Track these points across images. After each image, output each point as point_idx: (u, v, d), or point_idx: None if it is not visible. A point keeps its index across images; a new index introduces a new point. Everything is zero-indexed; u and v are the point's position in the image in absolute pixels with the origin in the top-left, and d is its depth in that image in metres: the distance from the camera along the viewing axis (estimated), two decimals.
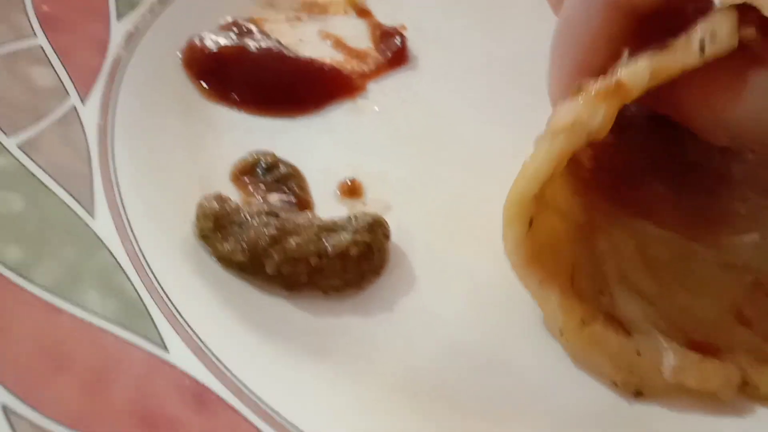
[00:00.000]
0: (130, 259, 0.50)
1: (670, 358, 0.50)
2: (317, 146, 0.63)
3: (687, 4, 0.49)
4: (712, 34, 0.46)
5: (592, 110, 0.47)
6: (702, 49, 0.46)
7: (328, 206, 0.59)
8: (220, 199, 0.55)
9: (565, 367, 0.53)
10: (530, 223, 0.50)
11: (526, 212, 0.50)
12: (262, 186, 0.59)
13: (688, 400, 0.51)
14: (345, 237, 0.54)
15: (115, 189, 0.54)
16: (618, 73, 0.47)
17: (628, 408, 0.51)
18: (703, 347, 0.52)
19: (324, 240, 0.54)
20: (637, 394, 0.51)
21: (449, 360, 0.52)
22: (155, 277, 0.50)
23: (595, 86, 0.47)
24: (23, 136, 0.54)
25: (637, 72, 0.47)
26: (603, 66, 0.48)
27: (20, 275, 0.46)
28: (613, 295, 0.53)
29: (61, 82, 0.59)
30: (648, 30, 0.49)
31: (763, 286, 0.56)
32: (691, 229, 0.58)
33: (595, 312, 0.52)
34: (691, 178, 0.61)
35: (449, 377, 0.51)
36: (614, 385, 0.51)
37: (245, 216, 0.54)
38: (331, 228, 0.55)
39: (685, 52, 0.47)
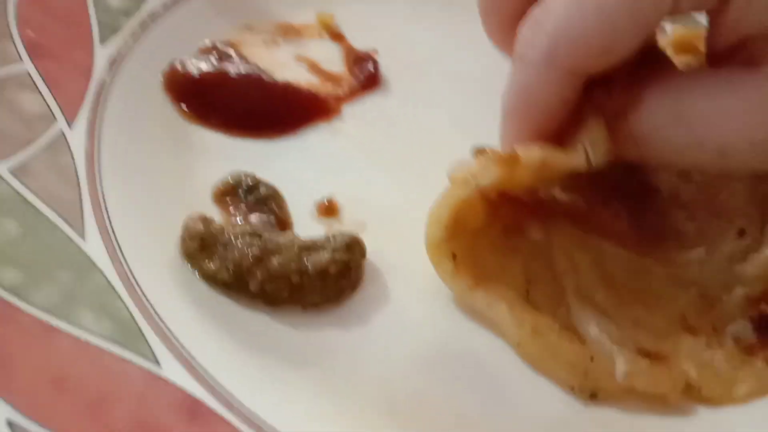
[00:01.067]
0: (121, 279, 0.53)
1: (622, 364, 0.55)
2: (295, 167, 0.67)
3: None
4: (593, 142, 0.54)
5: (485, 169, 0.55)
6: (587, 156, 0.54)
7: (306, 225, 0.63)
8: (205, 220, 0.58)
9: (526, 377, 0.57)
10: (454, 258, 0.57)
11: (444, 252, 0.57)
12: (243, 206, 0.63)
13: (638, 403, 0.56)
14: (324, 256, 0.58)
15: (104, 212, 0.56)
16: (517, 149, 0.55)
17: (584, 412, 0.56)
18: (652, 355, 0.57)
19: (304, 259, 0.57)
20: (592, 396, 0.56)
21: (424, 370, 0.56)
22: (145, 297, 0.53)
23: (494, 152, 0.56)
24: (14, 161, 0.56)
25: (531, 155, 0.54)
26: (558, 128, 0.55)
27: (19, 297, 0.48)
28: (569, 307, 0.58)
29: (49, 107, 0.61)
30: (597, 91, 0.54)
31: (707, 298, 0.61)
32: (645, 247, 0.63)
33: (549, 322, 0.57)
34: (648, 199, 0.66)
35: (425, 387, 0.55)
36: (571, 389, 0.56)
37: (229, 236, 0.57)
38: (311, 247, 0.58)
39: (575, 157, 0.55)
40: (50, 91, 0.62)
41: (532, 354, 0.57)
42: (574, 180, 0.65)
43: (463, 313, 0.60)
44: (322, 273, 0.57)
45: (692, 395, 0.57)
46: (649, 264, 0.62)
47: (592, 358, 0.56)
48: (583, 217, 0.63)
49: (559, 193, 0.64)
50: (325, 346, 0.56)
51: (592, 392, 0.56)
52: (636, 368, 0.55)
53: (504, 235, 0.60)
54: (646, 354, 0.57)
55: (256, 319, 0.56)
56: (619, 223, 0.64)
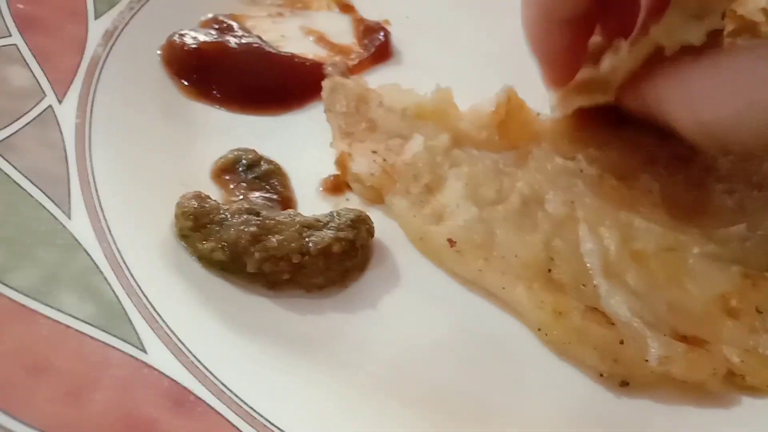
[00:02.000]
0: (107, 260, 0.49)
1: (656, 348, 0.50)
2: (300, 143, 0.63)
3: None
4: (618, 60, 0.56)
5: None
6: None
7: (311, 204, 0.59)
8: (199, 197, 0.54)
9: (550, 363, 0.53)
10: (452, 244, 0.55)
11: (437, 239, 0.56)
12: (243, 184, 0.59)
13: (674, 391, 0.51)
14: (327, 234, 0.53)
15: (93, 189, 0.53)
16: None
17: (615, 401, 0.51)
18: (690, 339, 0.51)
19: (306, 237, 0.53)
20: (623, 384, 0.52)
21: (433, 357, 0.52)
22: (134, 278, 0.49)
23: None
24: None
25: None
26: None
27: None
28: (596, 287, 0.53)
29: (38, 81, 0.58)
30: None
31: (750, 277, 0.55)
32: (679, 222, 0.58)
33: (574, 303, 0.52)
34: (680, 171, 0.61)
35: (433, 374, 0.51)
36: (600, 376, 0.52)
37: (225, 214, 0.53)
38: (314, 225, 0.54)
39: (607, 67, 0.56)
40: (39, 66, 0.59)
41: (555, 339, 0.52)
42: (603, 151, 0.60)
43: (481, 296, 0.55)
44: (326, 252, 0.53)
45: (735, 383, 0.52)
46: (684, 241, 0.56)
47: (622, 342, 0.50)
48: (612, 190, 0.58)
49: (586, 166, 0.59)
50: (330, 331, 0.52)
51: (623, 379, 0.51)
52: (671, 352, 0.50)
53: (522, 207, 0.56)
54: (683, 339, 0.51)
55: (253, 303, 0.52)
56: (651, 196, 0.58)
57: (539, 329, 0.52)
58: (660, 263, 0.54)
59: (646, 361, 0.50)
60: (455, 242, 0.54)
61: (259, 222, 0.53)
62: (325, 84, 0.63)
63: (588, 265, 0.54)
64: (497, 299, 0.54)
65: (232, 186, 0.59)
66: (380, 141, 0.60)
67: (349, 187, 0.60)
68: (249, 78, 0.66)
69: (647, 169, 0.60)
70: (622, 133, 0.61)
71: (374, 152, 0.60)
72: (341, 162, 0.60)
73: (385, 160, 0.59)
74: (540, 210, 0.56)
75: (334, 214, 0.55)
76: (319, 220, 0.55)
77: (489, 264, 0.54)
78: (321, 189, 0.60)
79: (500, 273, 0.53)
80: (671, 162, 0.61)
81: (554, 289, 0.53)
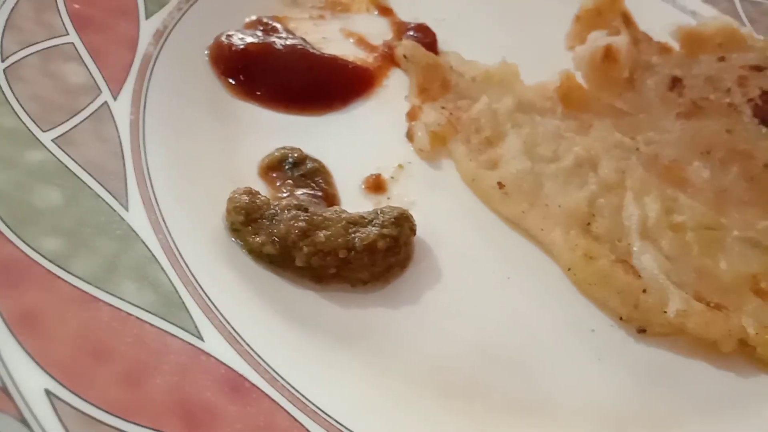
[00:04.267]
0: (164, 251, 0.51)
1: (676, 302, 0.54)
2: (342, 142, 0.64)
3: None
4: None
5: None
6: None
7: (353, 201, 0.60)
8: (250, 193, 0.56)
9: (592, 362, 0.54)
10: (501, 186, 0.61)
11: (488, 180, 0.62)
12: (289, 181, 0.60)
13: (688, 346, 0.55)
14: (372, 231, 0.55)
15: (148, 182, 0.55)
16: None
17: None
18: (712, 305, 0.54)
19: (352, 233, 0.55)
20: (641, 330, 0.56)
21: (474, 354, 0.53)
22: (189, 269, 0.51)
23: None
24: (58, 131, 0.55)
25: None
26: None
27: (60, 267, 0.47)
28: (631, 244, 0.57)
29: (93, 78, 0.60)
30: None
31: None
32: (723, 207, 0.59)
33: (605, 251, 0.56)
34: (737, 164, 0.62)
35: (474, 371, 0.52)
36: (620, 319, 0.56)
37: (275, 210, 0.55)
38: (359, 222, 0.56)
39: None
40: (95, 63, 0.61)
41: (582, 279, 0.57)
42: (662, 136, 0.63)
43: (520, 293, 0.57)
44: (370, 248, 0.54)
45: (745, 352, 0.55)
46: (725, 224, 0.58)
47: (644, 291, 0.55)
48: (664, 169, 0.60)
49: (643, 146, 0.62)
50: (373, 325, 0.53)
51: (641, 325, 0.55)
52: (690, 308, 0.53)
53: (574, 168, 0.60)
54: (706, 303, 0.55)
55: (302, 296, 0.53)
56: (701, 181, 0.60)
57: (569, 269, 0.57)
58: (697, 237, 0.57)
59: (665, 312, 0.53)
60: (504, 185, 0.60)
61: (307, 218, 0.55)
62: (405, 42, 0.70)
63: (626, 224, 0.58)
64: (535, 241, 0.59)
65: (278, 183, 0.60)
66: (450, 101, 0.67)
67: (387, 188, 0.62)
68: (293, 78, 0.67)
69: (702, 158, 0.63)
70: (683, 125, 0.64)
71: (443, 108, 0.66)
72: (412, 114, 0.66)
73: (451, 113, 0.65)
74: (591, 172, 0.60)
75: (378, 212, 0.57)
76: (363, 217, 0.56)
77: (532, 208, 0.59)
78: (363, 187, 0.62)
79: (541, 217, 0.58)
80: (729, 155, 0.63)
81: (590, 239, 0.57)
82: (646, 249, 0.57)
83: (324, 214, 0.56)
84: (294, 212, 0.55)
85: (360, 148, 0.64)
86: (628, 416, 0.52)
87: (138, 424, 0.41)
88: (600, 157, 0.61)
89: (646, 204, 0.59)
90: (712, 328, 0.54)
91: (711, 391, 0.55)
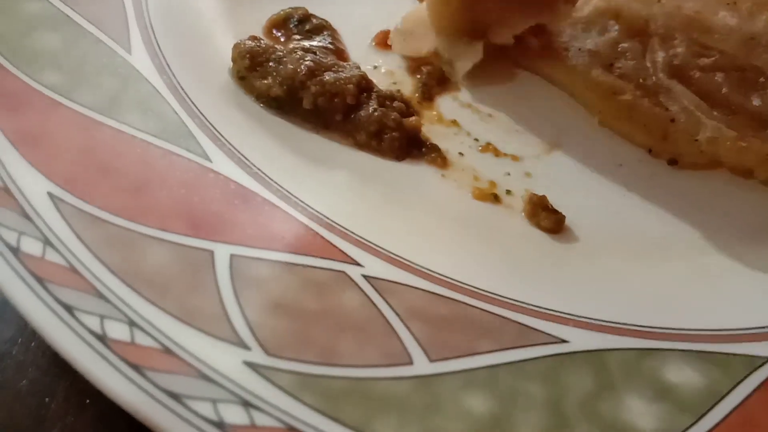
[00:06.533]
0: (169, 89, 0.49)
1: (707, 131, 0.51)
2: (348, 2, 0.62)
3: None
4: None
5: None
6: None
7: (363, 56, 0.58)
8: (256, 38, 0.54)
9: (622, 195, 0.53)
10: None
11: None
12: (297, 36, 0.59)
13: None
14: (386, 88, 0.54)
15: (150, 31, 0.53)
16: None
17: None
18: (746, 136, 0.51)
19: (364, 81, 0.53)
20: (672, 162, 0.53)
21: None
22: (195, 105, 0.49)
23: None
24: None
25: None
26: None
27: (61, 95, 0.46)
28: (660, 82, 0.54)
29: None
30: None
31: None
32: (752, 53, 0.56)
33: (630, 87, 0.54)
34: (766, 14, 0.58)
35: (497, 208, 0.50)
36: (648, 152, 0.54)
37: (282, 52, 0.53)
38: (371, 82, 0.54)
39: None
40: None
41: (607, 115, 0.55)
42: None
43: None
44: (381, 99, 0.53)
45: None
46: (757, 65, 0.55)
47: (673, 120, 0.52)
48: (687, 17, 0.56)
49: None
50: (376, 171, 0.51)
51: (671, 157, 0.53)
52: (722, 135, 0.51)
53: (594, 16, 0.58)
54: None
55: (308, 136, 0.52)
56: (728, 29, 0.56)
57: (593, 106, 0.56)
58: (726, 77, 0.54)
59: (696, 140, 0.51)
60: None
61: (315, 59, 0.53)
62: None
63: (650, 66, 0.55)
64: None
65: (283, 40, 0.59)
66: None
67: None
68: None
69: (728, 9, 0.58)
70: None
71: None
72: None
73: None
74: (611, 20, 0.58)
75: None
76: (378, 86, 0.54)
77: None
78: (373, 43, 0.60)
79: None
80: (756, 6, 0.58)
81: (613, 77, 0.55)
82: (674, 85, 0.54)
83: (335, 61, 0.54)
84: (301, 53, 0.53)
85: (366, 6, 0.62)
86: (665, 243, 0.49)
87: (143, 224, 0.40)
88: (621, 8, 0.59)
89: (673, 47, 0.56)
90: (747, 155, 0.51)
91: (750, 218, 0.52)
